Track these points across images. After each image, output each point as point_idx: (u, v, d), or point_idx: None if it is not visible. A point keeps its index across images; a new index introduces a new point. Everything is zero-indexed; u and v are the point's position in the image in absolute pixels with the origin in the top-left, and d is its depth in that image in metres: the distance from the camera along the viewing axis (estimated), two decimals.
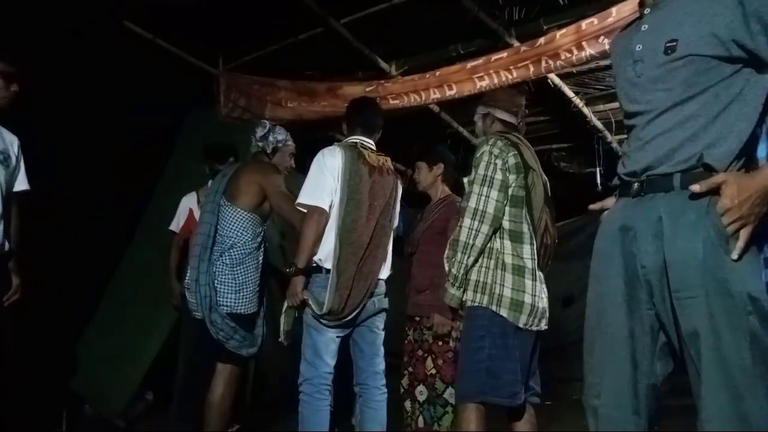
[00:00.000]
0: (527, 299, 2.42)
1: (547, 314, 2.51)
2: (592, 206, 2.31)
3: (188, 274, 3.06)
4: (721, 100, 1.42)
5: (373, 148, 3.02)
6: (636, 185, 1.52)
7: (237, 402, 3.31)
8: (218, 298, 2.92)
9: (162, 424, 3.89)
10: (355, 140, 2.99)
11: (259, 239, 3.07)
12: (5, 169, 2.86)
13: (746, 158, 1.45)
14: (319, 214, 2.77)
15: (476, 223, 2.44)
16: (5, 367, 2.84)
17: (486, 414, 2.46)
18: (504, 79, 3.98)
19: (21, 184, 2.97)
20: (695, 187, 1.38)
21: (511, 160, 2.47)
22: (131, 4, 4.11)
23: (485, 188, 2.45)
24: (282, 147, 3.22)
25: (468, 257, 2.44)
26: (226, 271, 2.95)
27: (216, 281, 2.93)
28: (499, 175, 2.45)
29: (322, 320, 2.77)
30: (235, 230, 2.99)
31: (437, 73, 4.26)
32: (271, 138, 3.19)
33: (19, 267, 2.94)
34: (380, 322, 2.97)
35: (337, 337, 2.84)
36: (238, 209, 3.00)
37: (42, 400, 3.78)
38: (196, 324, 3.02)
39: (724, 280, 1.37)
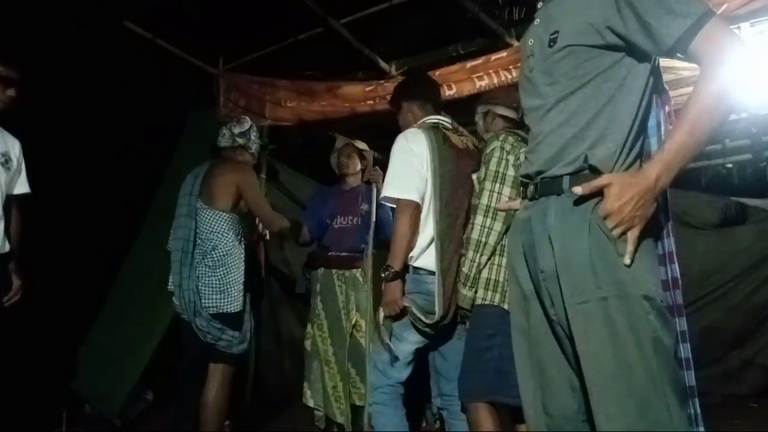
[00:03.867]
0: None
1: None
2: (498, 206, 2.29)
3: (171, 279, 3.03)
4: (603, 93, 1.39)
5: (454, 127, 2.67)
6: (531, 188, 1.50)
7: (235, 400, 3.30)
8: (203, 301, 2.90)
9: (162, 424, 3.89)
10: (434, 120, 2.64)
11: (240, 237, 3.04)
12: (6, 171, 2.86)
13: (638, 150, 1.41)
14: (413, 209, 2.46)
15: (489, 220, 2.40)
16: (5, 368, 2.84)
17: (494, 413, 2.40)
18: (504, 79, 3.94)
19: (22, 186, 2.98)
20: (578, 190, 1.35)
21: (523, 156, 2.44)
22: (131, 4, 4.11)
23: (497, 185, 2.42)
24: (259, 146, 3.23)
25: (481, 255, 2.40)
26: (209, 273, 2.92)
27: (200, 284, 2.91)
28: (511, 171, 2.41)
29: (427, 329, 2.45)
30: (216, 233, 2.95)
31: (437, 73, 4.23)
32: (253, 137, 3.18)
33: (20, 268, 2.95)
34: (464, 329, 2.62)
35: (417, 348, 2.55)
36: (218, 212, 2.96)
37: (42, 400, 3.78)
38: (186, 326, 3.01)
39: (618, 282, 1.32)
